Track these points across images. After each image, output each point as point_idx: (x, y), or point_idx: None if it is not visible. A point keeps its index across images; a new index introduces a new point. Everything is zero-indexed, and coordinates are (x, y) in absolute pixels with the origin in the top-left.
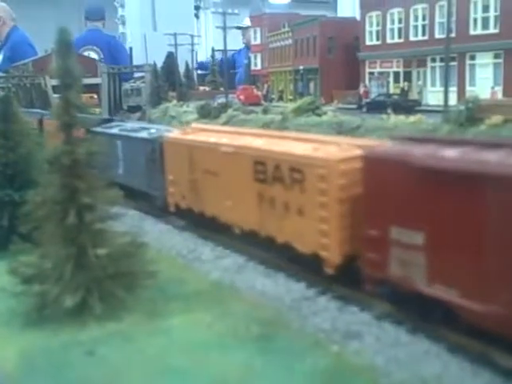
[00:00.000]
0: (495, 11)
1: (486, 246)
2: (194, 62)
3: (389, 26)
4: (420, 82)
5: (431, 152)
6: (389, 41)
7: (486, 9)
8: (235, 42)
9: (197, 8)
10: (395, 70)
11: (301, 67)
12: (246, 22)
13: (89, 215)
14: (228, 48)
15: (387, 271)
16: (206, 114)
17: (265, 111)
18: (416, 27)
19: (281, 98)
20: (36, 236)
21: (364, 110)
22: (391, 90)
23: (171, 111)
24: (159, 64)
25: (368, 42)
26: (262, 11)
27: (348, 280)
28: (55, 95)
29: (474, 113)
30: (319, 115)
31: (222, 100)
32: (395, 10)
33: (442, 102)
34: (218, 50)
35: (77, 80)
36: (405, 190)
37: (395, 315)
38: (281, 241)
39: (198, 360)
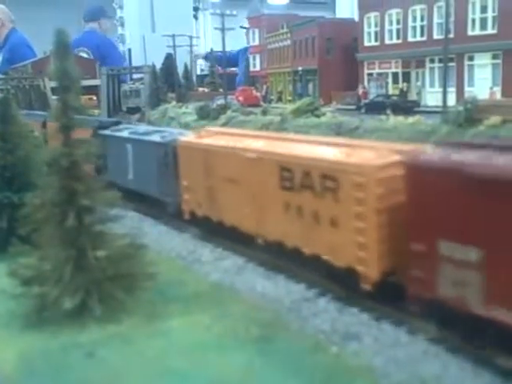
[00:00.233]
0: (493, 12)
1: None
2: (194, 62)
3: (387, 26)
4: (419, 83)
5: (486, 159)
6: (387, 42)
7: (484, 9)
8: (235, 43)
9: (195, 9)
10: (394, 70)
11: (299, 68)
12: None
13: (88, 217)
14: (227, 49)
15: (436, 291)
16: (205, 115)
17: (264, 112)
18: (414, 28)
19: (280, 99)
20: (35, 238)
21: (363, 110)
22: (390, 91)
23: (170, 112)
24: (158, 65)
25: (366, 43)
26: (260, 12)
27: (383, 296)
28: (54, 97)
29: (472, 113)
30: (318, 116)
31: (221, 101)
32: (393, 11)
33: (440, 103)
34: (217, 51)
35: (75, 82)
36: (457, 201)
37: (395, 315)
38: (309, 253)
39: (197, 362)
